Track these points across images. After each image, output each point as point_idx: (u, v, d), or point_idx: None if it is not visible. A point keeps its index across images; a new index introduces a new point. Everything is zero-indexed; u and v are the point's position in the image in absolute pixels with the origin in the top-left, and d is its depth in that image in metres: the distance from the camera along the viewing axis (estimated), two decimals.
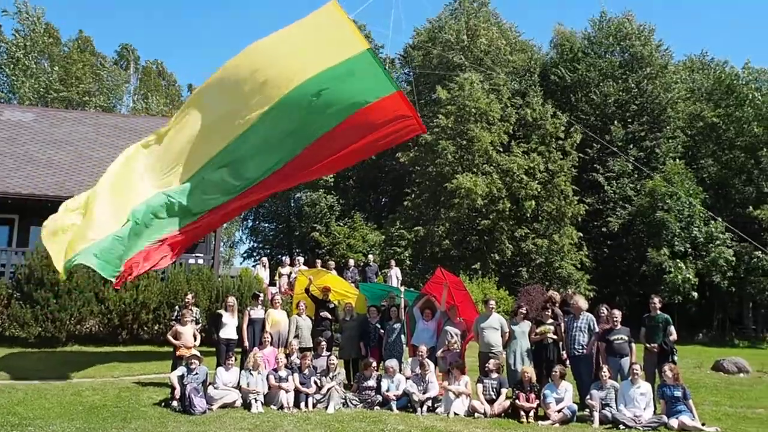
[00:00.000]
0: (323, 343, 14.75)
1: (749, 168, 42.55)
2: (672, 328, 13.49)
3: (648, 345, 13.46)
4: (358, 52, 13.35)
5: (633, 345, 13.28)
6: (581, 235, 40.07)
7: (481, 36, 45.66)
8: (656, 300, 13.90)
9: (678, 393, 12.12)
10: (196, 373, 12.74)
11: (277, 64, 13.75)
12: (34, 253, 19.58)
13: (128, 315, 20.01)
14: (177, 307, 16.25)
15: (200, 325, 15.51)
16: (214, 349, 15.07)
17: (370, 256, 27.12)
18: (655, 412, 12.26)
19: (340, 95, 13.37)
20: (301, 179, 17.43)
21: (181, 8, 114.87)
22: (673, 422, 11.69)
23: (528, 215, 39.27)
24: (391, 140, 14.57)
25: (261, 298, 15.89)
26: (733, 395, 15.95)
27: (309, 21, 14.20)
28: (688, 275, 37.20)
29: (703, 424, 11.86)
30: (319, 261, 24.07)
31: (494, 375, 13.25)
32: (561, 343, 13.80)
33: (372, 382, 13.54)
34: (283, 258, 26.51)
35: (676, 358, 13.33)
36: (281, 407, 12.68)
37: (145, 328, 20.34)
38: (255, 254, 53.19)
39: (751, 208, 39.71)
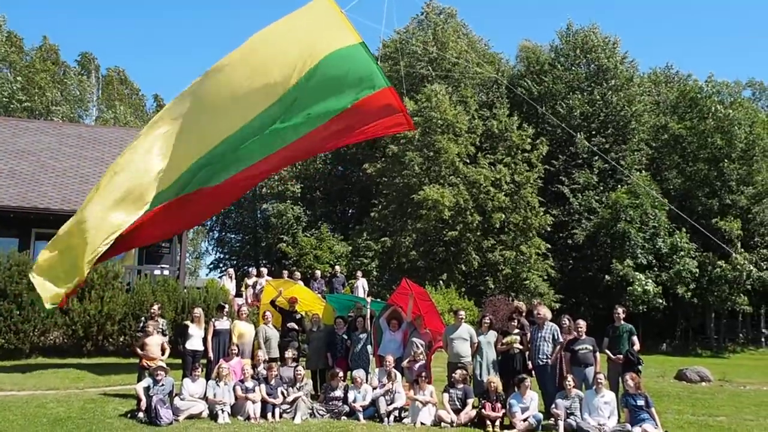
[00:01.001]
0: (292, 354, 14.73)
1: (712, 180, 43.22)
2: (635, 338, 13.66)
3: (612, 355, 13.62)
4: (350, 44, 13.42)
5: (597, 355, 13.41)
6: (549, 246, 40.45)
7: (449, 48, 45.94)
8: (620, 310, 14.10)
9: (641, 402, 12.26)
10: (162, 385, 12.70)
11: (273, 63, 13.73)
12: None
13: (93, 326, 19.81)
14: (143, 318, 16.15)
15: (167, 336, 15.42)
16: (180, 361, 15.00)
17: (337, 267, 27.11)
18: (618, 420, 12.39)
19: (334, 90, 13.43)
20: (279, 167, 17.44)
21: (146, 16, 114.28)
22: (637, 430, 11.83)
23: (495, 226, 39.54)
24: (379, 133, 14.81)
25: (226, 309, 15.83)
26: (696, 404, 16.16)
27: (302, 14, 14.20)
28: (648, 287, 37.72)
29: None
30: (285, 272, 24.04)
31: (460, 385, 13.33)
32: (527, 353, 13.93)
33: (339, 393, 13.56)
34: (250, 269, 26.41)
35: (641, 367, 13.50)
36: (248, 418, 12.65)
37: (111, 340, 20.14)
38: (221, 265, 52.92)
39: (718, 218, 40.38)
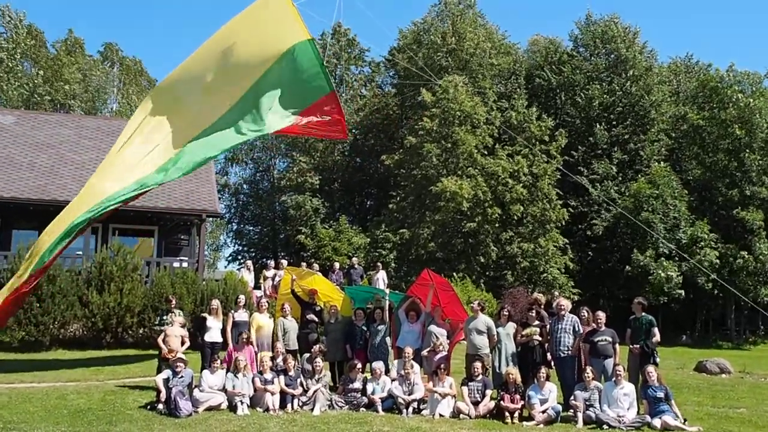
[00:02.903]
0: (320, 348, 14.69)
1: (732, 171, 42.76)
2: (655, 330, 13.54)
3: (631, 346, 13.55)
4: (299, 41, 13.63)
5: (617, 346, 13.32)
6: (567, 240, 40.27)
7: (467, 39, 45.74)
8: (635, 300, 14.04)
9: (660, 393, 12.22)
10: (182, 376, 12.72)
11: (228, 70, 14.03)
12: (16, 257, 19.47)
13: (112, 319, 19.92)
14: (163, 311, 16.27)
15: (185, 328, 15.46)
16: (199, 353, 15.04)
17: (354, 259, 27.04)
18: (638, 412, 12.34)
19: (283, 101, 13.80)
20: None
21: (161, 5, 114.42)
22: (656, 422, 11.78)
23: (514, 219, 39.41)
24: (314, 134, 15.33)
25: (243, 302, 15.86)
26: (716, 395, 16.03)
27: (254, 10, 14.39)
28: (671, 274, 37.42)
29: (684, 421, 11.98)
30: (304, 264, 24.01)
31: (479, 377, 13.27)
32: (546, 345, 13.85)
33: (358, 384, 13.54)
34: (268, 261, 26.44)
35: (657, 359, 13.42)
36: (267, 409, 12.66)
37: (130, 332, 20.27)
38: (240, 257, 53.06)
39: (739, 208, 40.00)
